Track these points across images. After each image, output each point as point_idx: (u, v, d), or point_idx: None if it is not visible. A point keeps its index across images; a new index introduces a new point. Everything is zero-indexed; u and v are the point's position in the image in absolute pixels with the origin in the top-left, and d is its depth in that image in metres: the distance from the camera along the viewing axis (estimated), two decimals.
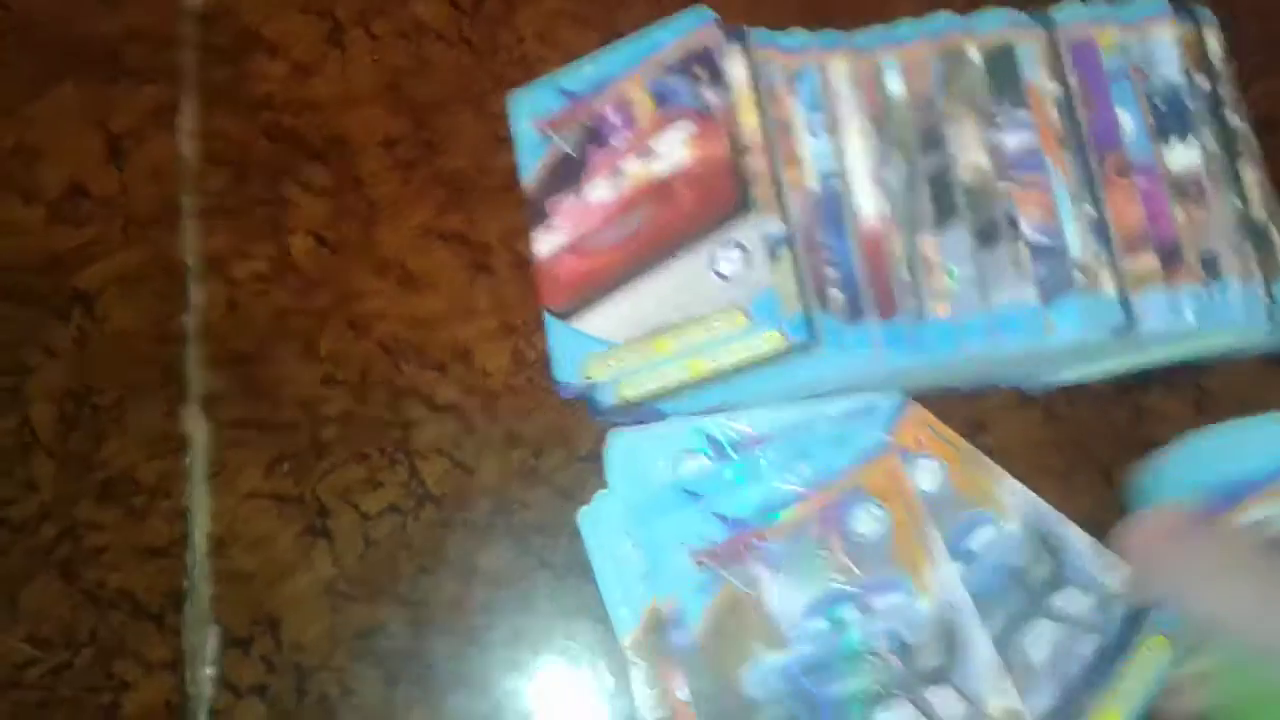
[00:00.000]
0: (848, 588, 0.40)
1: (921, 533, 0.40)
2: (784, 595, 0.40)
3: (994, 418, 0.43)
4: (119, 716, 0.39)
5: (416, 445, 0.42)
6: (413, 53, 0.46)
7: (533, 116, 0.45)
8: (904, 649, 0.39)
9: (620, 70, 0.43)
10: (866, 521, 0.40)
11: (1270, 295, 0.41)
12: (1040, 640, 0.39)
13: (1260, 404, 0.44)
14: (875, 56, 0.42)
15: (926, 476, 0.41)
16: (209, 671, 0.39)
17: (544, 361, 0.43)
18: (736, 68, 0.41)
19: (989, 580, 0.40)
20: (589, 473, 0.42)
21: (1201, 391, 0.44)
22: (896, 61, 0.42)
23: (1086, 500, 0.42)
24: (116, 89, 0.45)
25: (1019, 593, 0.40)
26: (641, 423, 0.42)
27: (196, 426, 0.42)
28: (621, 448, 0.42)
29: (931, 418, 0.42)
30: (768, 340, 0.40)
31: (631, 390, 0.42)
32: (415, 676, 0.40)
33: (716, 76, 0.42)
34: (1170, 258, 0.41)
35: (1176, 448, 0.39)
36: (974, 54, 0.42)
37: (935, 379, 0.42)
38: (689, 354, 0.41)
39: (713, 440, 0.42)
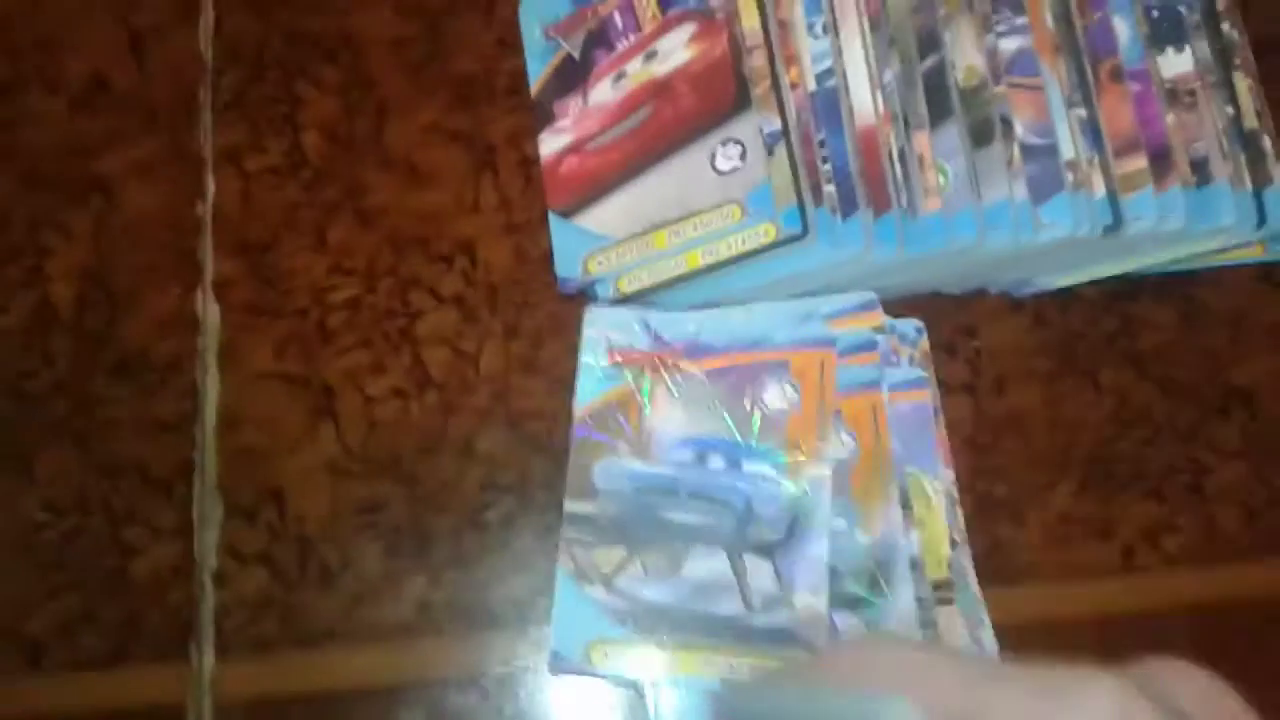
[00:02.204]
0: (727, 441, 0.41)
1: (824, 429, 0.41)
2: (669, 417, 0.41)
3: (984, 322, 0.44)
4: (128, 578, 0.40)
5: (420, 333, 0.43)
6: None
7: (541, 22, 0.46)
8: (748, 512, 0.40)
9: None
10: (778, 396, 0.41)
11: (1260, 202, 0.42)
12: None
13: (1248, 316, 0.45)
14: None
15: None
16: (215, 539, 0.41)
17: (545, 257, 0.44)
18: None
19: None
20: None
21: (1190, 302, 0.45)
22: None
23: (1072, 404, 0.43)
24: None
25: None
26: None
27: (209, 309, 0.43)
28: (596, 317, 0.42)
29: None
30: (762, 232, 0.41)
31: (629, 284, 0.43)
32: (413, 551, 0.41)
33: None
34: (1160, 160, 0.41)
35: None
36: None
37: (925, 277, 0.43)
38: (686, 248, 0.42)
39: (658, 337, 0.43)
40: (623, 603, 0.39)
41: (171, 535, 0.41)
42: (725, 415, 0.41)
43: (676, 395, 0.41)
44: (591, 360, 0.41)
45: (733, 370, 0.42)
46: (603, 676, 0.39)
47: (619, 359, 0.41)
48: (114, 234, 0.44)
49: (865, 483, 0.41)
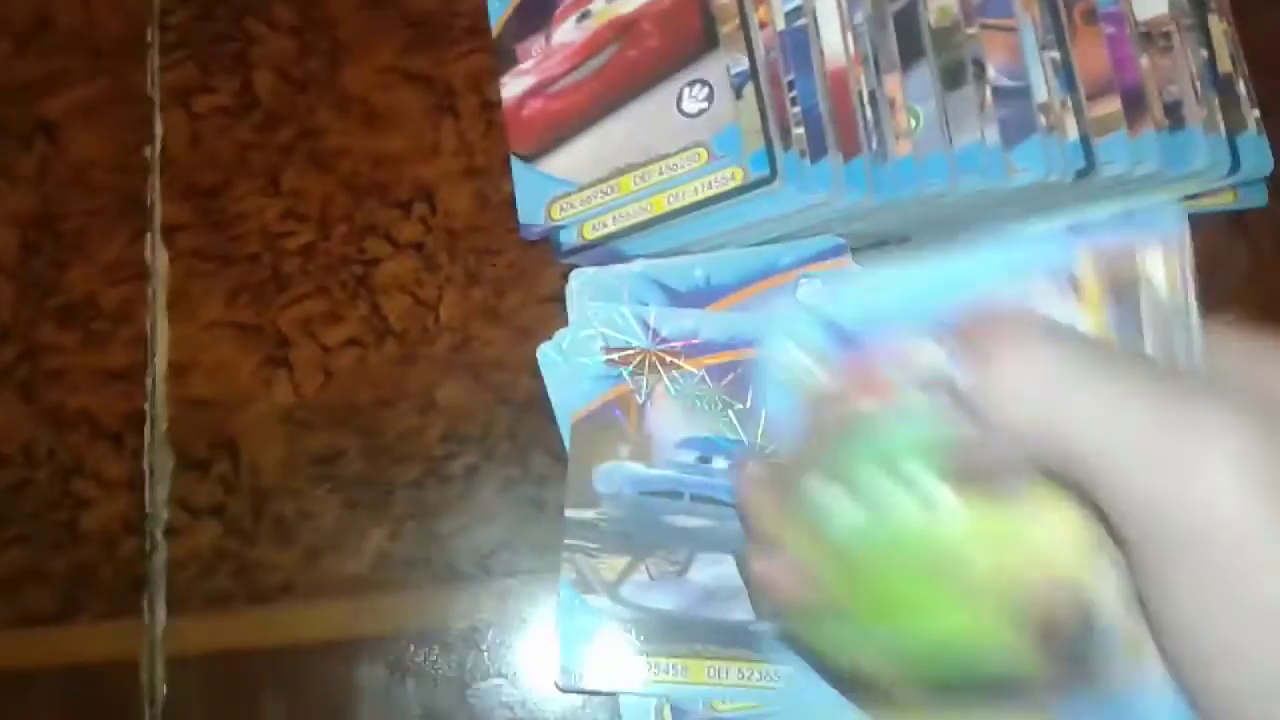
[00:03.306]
0: (730, 440, 0.39)
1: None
2: (669, 417, 0.40)
3: None
4: (77, 532, 0.39)
5: (378, 281, 0.42)
6: None
7: None
8: None
9: None
10: (779, 394, 0.40)
11: (1233, 147, 0.41)
12: None
13: (1221, 264, 0.44)
14: None
15: None
16: (166, 492, 0.40)
17: (508, 203, 0.42)
18: None
19: None
20: (550, 313, 0.42)
21: None
22: None
23: None
24: None
25: None
26: (602, 264, 0.42)
27: (158, 255, 0.42)
28: (584, 282, 0.41)
29: None
30: (729, 176, 0.40)
31: (594, 230, 0.42)
32: (373, 502, 0.40)
33: None
34: (1134, 103, 0.40)
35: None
36: None
37: (896, 223, 0.42)
38: (651, 192, 0.41)
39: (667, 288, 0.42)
40: (629, 611, 0.38)
41: (122, 487, 0.40)
42: (729, 414, 0.40)
43: (676, 394, 0.40)
44: (587, 360, 0.40)
45: (733, 366, 0.40)
46: (611, 692, 0.38)
47: (616, 358, 0.40)
48: (59, 178, 0.42)
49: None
